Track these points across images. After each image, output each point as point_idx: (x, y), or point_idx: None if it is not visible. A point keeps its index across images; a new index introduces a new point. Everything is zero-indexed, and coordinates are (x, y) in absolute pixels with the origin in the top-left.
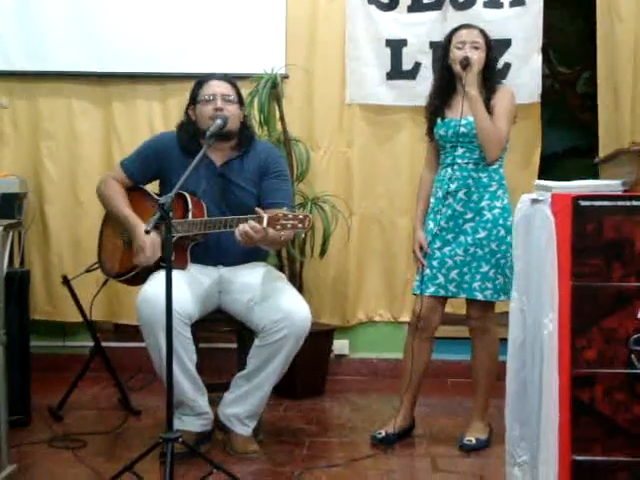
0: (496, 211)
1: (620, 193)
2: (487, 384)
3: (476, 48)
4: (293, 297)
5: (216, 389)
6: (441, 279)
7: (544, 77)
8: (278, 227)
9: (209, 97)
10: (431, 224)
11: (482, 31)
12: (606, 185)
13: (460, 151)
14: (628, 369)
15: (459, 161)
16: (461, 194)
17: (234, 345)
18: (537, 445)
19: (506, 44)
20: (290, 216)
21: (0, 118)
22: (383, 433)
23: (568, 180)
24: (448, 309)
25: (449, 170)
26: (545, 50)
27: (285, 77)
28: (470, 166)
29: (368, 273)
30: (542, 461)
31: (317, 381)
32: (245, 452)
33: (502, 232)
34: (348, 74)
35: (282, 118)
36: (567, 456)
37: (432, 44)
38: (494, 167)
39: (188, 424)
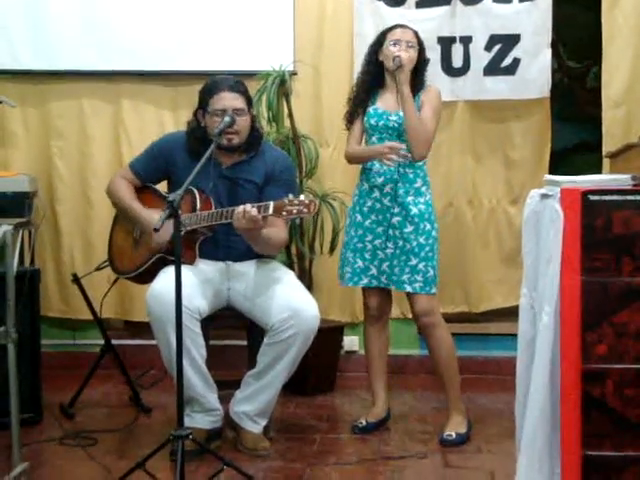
0: (421, 206)
1: (630, 187)
2: (452, 378)
3: (410, 47)
4: (301, 295)
5: (227, 386)
6: (374, 270)
7: (553, 72)
8: (284, 213)
9: (220, 112)
10: (358, 216)
11: (416, 33)
12: (615, 179)
13: None
14: (639, 364)
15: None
16: (387, 188)
17: (244, 342)
18: (534, 437)
19: (515, 39)
20: (296, 202)
21: (10, 118)
22: (364, 422)
23: (578, 175)
24: (448, 309)
25: (375, 164)
26: (554, 45)
27: (293, 74)
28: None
29: None
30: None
31: (327, 378)
32: (256, 449)
33: (428, 226)
34: (356, 71)
35: (291, 115)
36: (578, 451)
37: (440, 40)
38: (419, 163)
39: (198, 421)
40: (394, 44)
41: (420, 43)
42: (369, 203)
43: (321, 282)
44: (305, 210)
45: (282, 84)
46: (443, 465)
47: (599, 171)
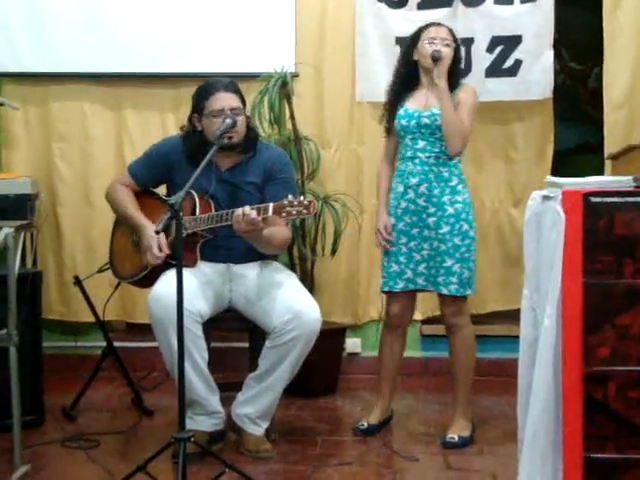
0: (458, 206)
1: (631, 189)
2: (466, 381)
3: (447, 45)
4: (303, 297)
5: (228, 388)
6: (409, 274)
7: (555, 73)
8: (284, 214)
9: (217, 113)
10: (393, 220)
11: (450, 30)
12: (617, 181)
13: (421, 144)
14: None
15: (420, 155)
16: (422, 188)
17: (246, 344)
18: (536, 439)
19: (517, 40)
20: (295, 203)
21: (12, 120)
22: (365, 424)
23: (580, 177)
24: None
25: (409, 164)
26: (556, 46)
27: (295, 75)
28: (431, 160)
29: (379, 271)
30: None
31: (329, 380)
32: (258, 451)
33: (465, 226)
34: (358, 72)
35: (292, 117)
36: (579, 453)
37: None
38: (454, 161)
39: (200, 423)
40: (430, 42)
41: (455, 40)
42: (403, 205)
43: (323, 284)
44: (305, 211)
45: (284, 86)
46: (445, 467)
47: (601, 173)
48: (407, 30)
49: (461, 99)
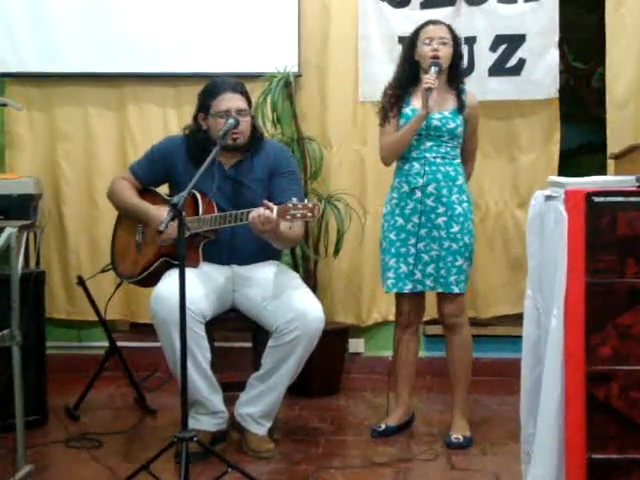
0: (465, 205)
1: (634, 189)
2: (466, 380)
3: (444, 44)
4: (306, 296)
5: (231, 388)
6: (418, 275)
7: (559, 73)
8: (288, 217)
9: (224, 114)
10: (400, 220)
11: (449, 27)
12: (620, 181)
13: (428, 145)
14: None
15: (427, 155)
16: (431, 188)
17: (250, 344)
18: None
19: (520, 39)
20: (299, 206)
21: (16, 120)
22: (383, 426)
23: (583, 176)
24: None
25: (416, 165)
26: (560, 45)
27: (298, 75)
28: (438, 160)
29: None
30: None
31: (332, 379)
32: (260, 451)
33: (471, 225)
34: (361, 72)
35: (295, 117)
36: (582, 454)
37: None
38: (457, 160)
39: (203, 423)
40: (427, 43)
41: (454, 38)
42: (411, 205)
43: (326, 284)
44: (309, 214)
45: (287, 86)
46: (449, 467)
47: (604, 172)
48: (410, 30)
49: (471, 116)
